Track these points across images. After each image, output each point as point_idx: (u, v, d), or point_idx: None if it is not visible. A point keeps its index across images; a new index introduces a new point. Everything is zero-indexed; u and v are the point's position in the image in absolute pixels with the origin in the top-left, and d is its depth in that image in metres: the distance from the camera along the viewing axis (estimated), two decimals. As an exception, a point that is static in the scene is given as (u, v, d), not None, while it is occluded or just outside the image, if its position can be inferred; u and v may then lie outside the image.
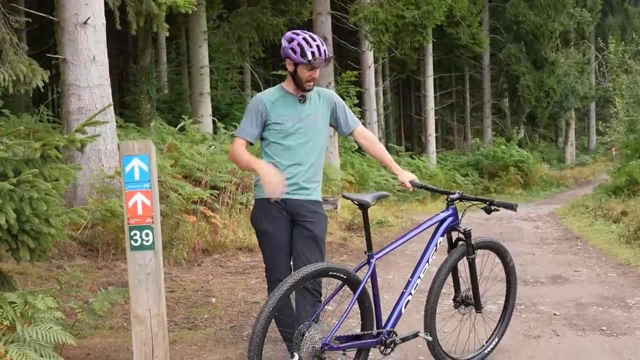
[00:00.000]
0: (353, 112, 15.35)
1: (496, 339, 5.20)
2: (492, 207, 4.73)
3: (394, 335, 4.38)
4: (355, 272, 4.25)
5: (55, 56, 9.97)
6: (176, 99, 23.03)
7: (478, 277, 4.98)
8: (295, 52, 4.42)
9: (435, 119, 34.04)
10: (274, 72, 24.00)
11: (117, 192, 8.86)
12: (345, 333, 4.34)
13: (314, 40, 4.46)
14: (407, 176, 4.85)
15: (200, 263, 8.32)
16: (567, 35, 38.62)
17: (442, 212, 4.76)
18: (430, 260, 4.64)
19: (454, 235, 4.84)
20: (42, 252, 3.94)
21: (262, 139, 4.67)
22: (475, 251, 4.87)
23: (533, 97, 33.95)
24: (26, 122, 14.02)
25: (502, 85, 37.79)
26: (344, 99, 21.20)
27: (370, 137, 4.97)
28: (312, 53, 4.39)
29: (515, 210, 4.80)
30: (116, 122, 16.24)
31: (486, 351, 5.12)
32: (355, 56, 27.43)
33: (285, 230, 4.56)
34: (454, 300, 4.98)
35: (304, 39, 4.44)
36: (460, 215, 4.81)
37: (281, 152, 4.54)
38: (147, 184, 4.15)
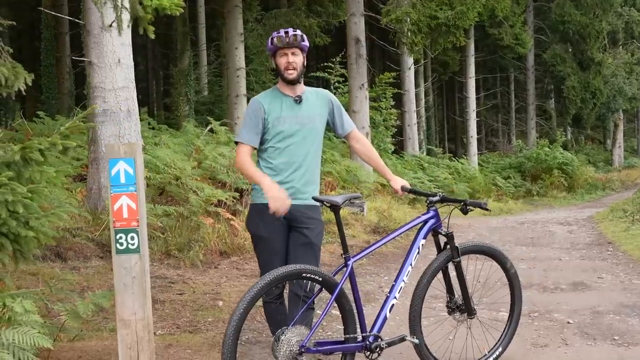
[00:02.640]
0: (390, 114, 15.34)
1: (500, 349, 5.06)
2: (467, 207, 4.62)
3: (380, 340, 4.30)
4: (334, 275, 4.19)
5: (82, 59, 10.11)
6: (215, 101, 23.22)
7: (467, 281, 4.83)
8: (267, 44, 4.57)
9: (479, 121, 33.70)
10: (311, 74, 24.03)
11: (138, 193, 8.93)
12: (328, 338, 4.29)
13: (286, 29, 4.51)
14: (398, 182, 4.81)
15: (216, 265, 8.32)
16: (615, 35, 37.82)
17: (423, 214, 4.68)
18: (413, 263, 4.56)
19: (442, 239, 4.74)
20: (23, 255, 3.95)
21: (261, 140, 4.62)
22: (461, 255, 4.73)
23: (579, 99, 33.36)
24: (60, 123, 14.27)
25: (547, 87, 37.23)
26: (380, 101, 21.15)
27: (363, 141, 4.91)
28: (278, 37, 4.43)
29: (487, 209, 4.70)
30: (149, 123, 16.47)
31: None
32: (395, 57, 27.32)
33: (281, 236, 4.51)
34: (447, 306, 4.87)
35: (277, 31, 4.53)
36: (448, 217, 4.71)
37: (277, 155, 4.50)
38: (133, 187, 4.14)
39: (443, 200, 4.69)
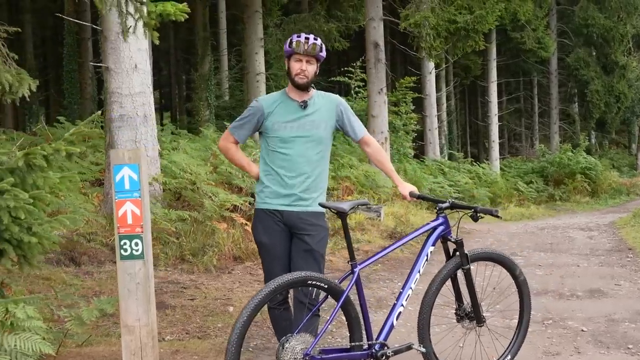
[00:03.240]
0: (410, 118, 15.29)
1: (508, 357, 4.99)
2: (477, 215, 4.57)
3: (386, 348, 4.27)
4: (340, 282, 4.16)
5: (99, 64, 10.19)
6: (236, 106, 23.26)
7: (477, 289, 4.77)
8: (285, 45, 4.52)
9: (501, 125, 33.52)
10: (332, 79, 24.02)
11: (152, 199, 8.96)
12: (336, 345, 4.26)
13: (307, 34, 4.48)
14: (406, 188, 4.78)
15: (230, 271, 8.32)
16: (639, 38, 37.41)
17: (432, 221, 4.64)
18: (421, 270, 4.51)
19: (451, 246, 4.69)
20: (28, 261, 3.97)
21: (262, 145, 4.61)
22: (470, 263, 4.67)
23: (602, 103, 33.07)
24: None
25: (571, 91, 36.93)
26: (400, 105, 21.09)
27: (375, 145, 4.88)
28: (297, 41, 4.40)
29: (498, 216, 4.61)
30: (169, 128, 16.54)
31: None
32: (416, 62, 27.24)
33: (282, 242, 4.49)
34: (456, 314, 4.81)
35: (297, 34, 4.49)
36: (456, 223, 4.67)
37: (279, 160, 4.47)
38: (137, 193, 4.16)
39: (452, 206, 4.64)
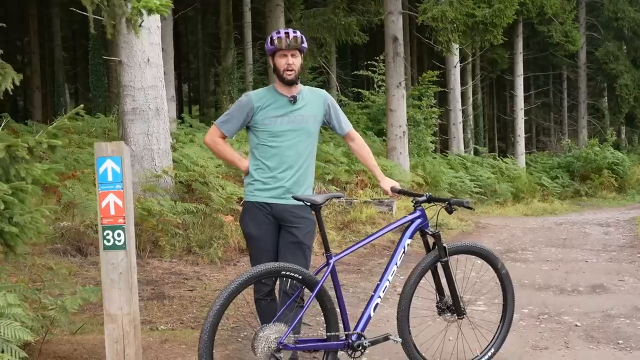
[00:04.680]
0: (432, 112, 15.31)
1: (492, 350, 5.02)
2: (452, 207, 4.64)
3: (363, 338, 4.33)
4: (316, 274, 4.22)
5: (113, 58, 10.35)
6: (259, 99, 23.34)
7: (455, 281, 4.80)
8: (266, 44, 4.56)
9: (529, 120, 33.23)
10: (355, 72, 24.04)
11: (162, 191, 9.10)
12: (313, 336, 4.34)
13: (286, 29, 4.55)
14: (388, 183, 4.85)
15: (235, 263, 8.43)
16: (671, 31, 36.84)
17: (409, 214, 4.69)
18: (398, 262, 4.56)
19: (430, 239, 4.74)
20: (12, 250, 4.10)
21: (249, 135, 4.68)
22: (450, 256, 4.71)
23: (632, 97, 32.70)
24: (99, 121, 14.64)
25: (600, 85, 36.46)
26: (421, 99, 21.06)
27: (358, 140, 4.95)
28: (278, 38, 4.46)
29: (470, 208, 4.70)
30: (187, 121, 16.71)
31: None
32: (441, 55, 27.11)
33: (270, 235, 4.55)
34: (437, 306, 4.86)
35: (277, 31, 4.56)
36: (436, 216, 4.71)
37: (269, 154, 4.53)
38: (120, 185, 4.24)
39: (429, 200, 4.70)
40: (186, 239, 8.57)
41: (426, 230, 4.69)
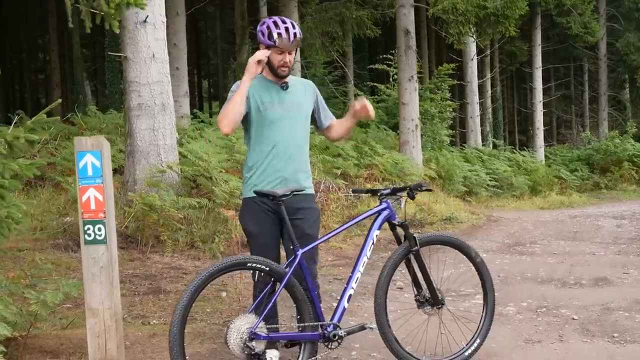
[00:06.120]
0: (448, 105, 15.25)
1: (478, 340, 4.98)
2: (413, 192, 4.71)
3: (338, 329, 4.31)
4: (285, 267, 4.20)
5: (118, 54, 10.40)
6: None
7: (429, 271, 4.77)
8: (263, 35, 4.39)
9: (549, 112, 32.93)
10: (370, 66, 23.93)
11: (167, 186, 9.13)
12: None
13: (284, 22, 4.40)
14: (358, 103, 4.64)
15: (237, 257, 8.43)
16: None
17: (376, 206, 4.68)
18: (368, 254, 4.54)
19: (400, 230, 4.71)
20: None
21: (244, 129, 4.60)
22: (421, 246, 4.70)
23: (653, 89, 32.26)
24: (111, 117, 14.74)
25: (621, 76, 36.02)
26: (436, 93, 20.97)
27: (333, 121, 4.84)
28: (279, 34, 4.32)
29: (429, 190, 4.84)
30: (199, 117, 16.76)
31: (466, 354, 4.91)
32: (458, 48, 26.93)
33: (272, 232, 4.48)
34: (416, 300, 4.83)
35: (274, 21, 4.40)
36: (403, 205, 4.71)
37: (264, 141, 4.44)
38: (100, 179, 4.26)
39: (393, 191, 4.74)
40: (189, 234, 8.59)
41: (393, 221, 4.67)
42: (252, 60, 4.34)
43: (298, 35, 4.40)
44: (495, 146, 28.53)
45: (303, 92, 4.60)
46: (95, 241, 4.26)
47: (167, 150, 9.60)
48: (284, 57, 4.40)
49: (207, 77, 45.60)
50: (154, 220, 8.27)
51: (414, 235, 4.69)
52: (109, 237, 4.27)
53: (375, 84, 23.34)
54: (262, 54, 4.33)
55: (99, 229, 4.26)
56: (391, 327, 4.60)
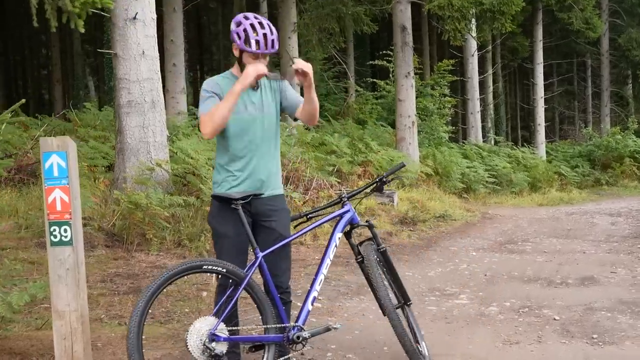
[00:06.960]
0: (447, 102, 15.15)
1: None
2: (384, 180, 4.71)
3: (303, 331, 4.27)
4: (246, 270, 4.14)
5: (108, 51, 10.37)
6: (277, 90, 23.30)
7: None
8: (239, 38, 4.16)
9: (551, 108, 32.78)
10: (370, 62, 23.87)
11: (156, 184, 9.10)
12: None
13: (262, 27, 4.14)
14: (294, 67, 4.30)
15: (224, 255, 8.40)
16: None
17: (337, 210, 4.63)
18: (331, 256, 4.49)
19: (354, 240, 4.72)
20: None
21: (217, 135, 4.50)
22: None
23: (656, 85, 32.10)
24: (105, 114, 14.74)
25: (623, 72, 35.86)
26: (434, 89, 20.90)
27: (302, 104, 4.51)
28: (257, 42, 4.10)
29: (402, 165, 4.86)
30: (195, 113, 16.70)
31: None
32: (459, 44, 26.86)
33: (242, 234, 4.26)
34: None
35: (252, 24, 4.14)
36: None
37: (237, 142, 4.30)
38: (65, 180, 4.22)
39: (357, 193, 4.76)
40: (177, 232, 8.56)
41: (356, 223, 4.65)
42: (253, 72, 4.10)
43: (276, 43, 4.19)
44: (495, 142, 28.44)
45: (270, 91, 4.41)
46: (61, 242, 4.23)
47: (157, 147, 9.57)
48: (258, 63, 4.17)
49: (210, 72, 45.55)
50: (139, 219, 8.24)
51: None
52: (75, 238, 4.24)
53: (375, 80, 23.28)
54: (264, 69, 4.16)
55: (65, 230, 4.22)
56: None
